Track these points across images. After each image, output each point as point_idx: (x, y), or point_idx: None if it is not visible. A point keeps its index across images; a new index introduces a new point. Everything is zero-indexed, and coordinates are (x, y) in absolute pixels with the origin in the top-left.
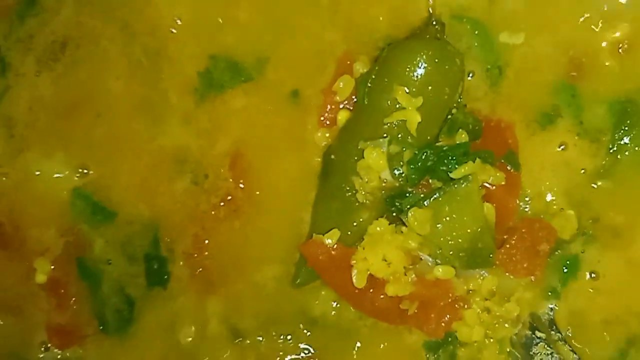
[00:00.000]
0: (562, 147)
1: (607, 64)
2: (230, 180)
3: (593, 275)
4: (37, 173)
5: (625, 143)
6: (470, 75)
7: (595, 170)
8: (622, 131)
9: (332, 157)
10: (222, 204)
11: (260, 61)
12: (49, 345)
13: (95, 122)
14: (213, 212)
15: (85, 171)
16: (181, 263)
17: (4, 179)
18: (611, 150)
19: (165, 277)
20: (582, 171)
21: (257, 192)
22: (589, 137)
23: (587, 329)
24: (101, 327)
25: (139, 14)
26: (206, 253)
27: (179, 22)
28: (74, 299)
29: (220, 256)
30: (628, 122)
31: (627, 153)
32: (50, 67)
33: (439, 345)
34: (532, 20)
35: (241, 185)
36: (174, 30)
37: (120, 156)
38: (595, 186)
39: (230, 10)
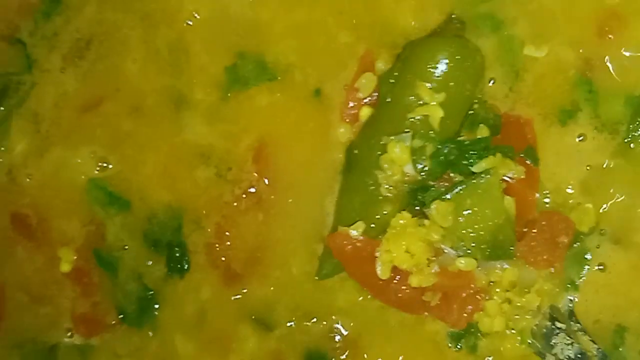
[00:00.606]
0: (580, 137)
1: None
2: (254, 173)
3: (601, 267)
4: (61, 168)
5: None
6: (492, 81)
7: (611, 162)
8: (638, 122)
9: (355, 152)
10: (244, 195)
11: (285, 63)
12: (74, 332)
13: (118, 116)
14: (236, 204)
15: (105, 164)
16: (203, 253)
17: (27, 180)
18: (626, 141)
19: (186, 266)
20: (596, 165)
21: (280, 185)
22: (606, 129)
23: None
24: (121, 316)
25: (158, 5)
26: (228, 243)
27: (196, 16)
28: (97, 287)
29: (242, 247)
30: None
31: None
32: (76, 63)
33: (461, 336)
34: (549, 27)
35: (265, 181)
36: (190, 23)
37: (144, 149)
38: (610, 179)
39: (253, 9)
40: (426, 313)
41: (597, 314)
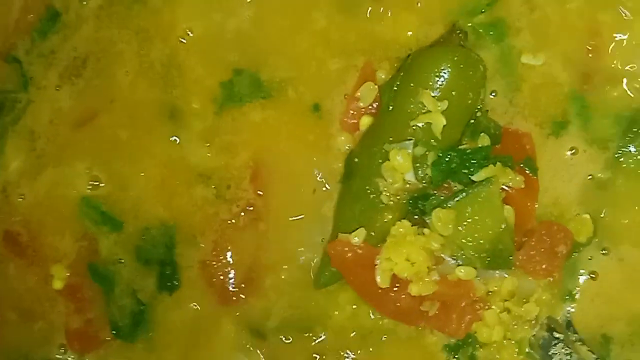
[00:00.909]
0: (572, 151)
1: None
2: (252, 191)
3: (592, 276)
4: (54, 185)
5: (630, 151)
6: (493, 94)
7: (602, 176)
8: (627, 139)
9: (356, 160)
10: (242, 213)
11: (280, 80)
12: (68, 349)
13: (112, 130)
14: (233, 221)
15: (97, 183)
16: (197, 269)
17: (19, 199)
18: (616, 156)
19: (176, 283)
20: (589, 177)
21: (278, 202)
22: (596, 144)
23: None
24: (114, 332)
25: (154, 21)
26: (224, 261)
27: (190, 33)
28: (91, 303)
29: (239, 265)
30: (634, 130)
31: (631, 161)
32: (72, 81)
33: (459, 347)
34: (547, 40)
35: (259, 193)
36: (183, 40)
37: (138, 164)
38: (601, 192)
39: (248, 28)
40: (423, 324)
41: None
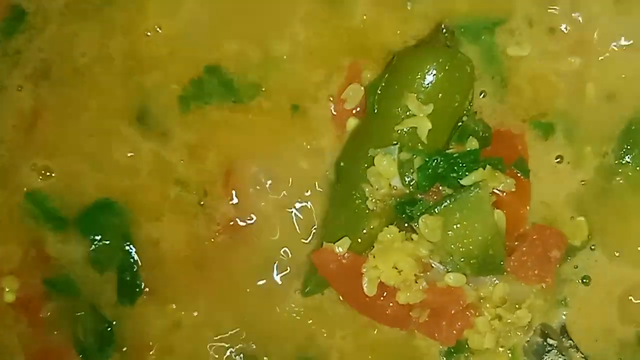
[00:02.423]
0: (557, 159)
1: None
2: (225, 197)
3: (585, 281)
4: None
5: (627, 162)
6: (482, 94)
7: (595, 183)
8: (624, 150)
9: (342, 164)
10: (218, 225)
11: (256, 81)
12: None
13: (77, 129)
14: (212, 239)
15: (49, 173)
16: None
17: None
18: (616, 162)
19: (137, 290)
20: (582, 183)
21: (256, 208)
22: (591, 150)
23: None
24: (80, 356)
25: (122, 15)
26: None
27: (158, 30)
28: (48, 314)
29: (217, 272)
30: (631, 141)
31: (630, 173)
32: (36, 83)
33: (451, 353)
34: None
35: (234, 201)
36: (149, 34)
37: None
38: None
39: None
40: (414, 329)
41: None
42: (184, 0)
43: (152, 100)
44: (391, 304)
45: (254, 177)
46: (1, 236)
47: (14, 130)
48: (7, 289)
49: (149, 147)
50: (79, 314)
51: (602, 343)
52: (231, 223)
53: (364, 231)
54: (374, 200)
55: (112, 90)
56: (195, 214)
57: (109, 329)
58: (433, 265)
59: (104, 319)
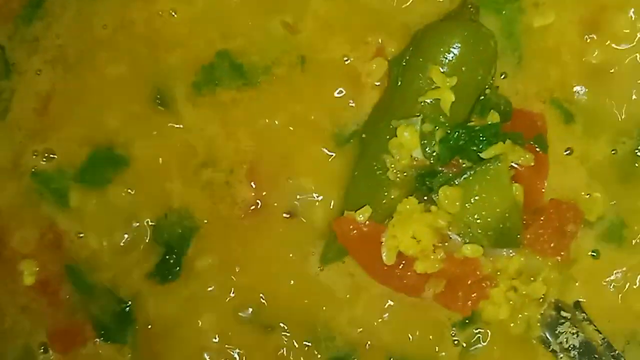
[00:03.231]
0: (567, 151)
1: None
2: (246, 182)
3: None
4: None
5: None
6: (503, 75)
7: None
8: None
9: (364, 136)
10: (237, 204)
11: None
12: (50, 349)
13: (100, 113)
14: (230, 212)
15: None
16: (195, 257)
17: None
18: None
19: (178, 268)
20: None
21: (276, 189)
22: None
23: None
24: (102, 334)
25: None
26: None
27: (174, 14)
28: (67, 296)
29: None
30: None
31: None
32: (53, 66)
33: (465, 324)
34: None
35: (253, 184)
36: (172, 14)
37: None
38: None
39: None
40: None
41: None
42: None
43: (168, 79)
44: (409, 273)
45: (272, 161)
46: (18, 220)
47: (34, 113)
48: (25, 272)
49: (165, 127)
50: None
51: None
52: (252, 207)
53: (384, 201)
54: (395, 171)
55: (131, 65)
56: (221, 195)
57: (127, 309)
58: (451, 236)
59: (120, 300)
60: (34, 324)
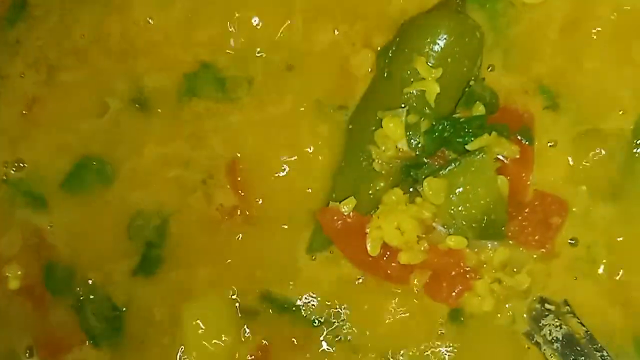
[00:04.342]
0: (551, 143)
1: None
2: (228, 186)
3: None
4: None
5: None
6: (490, 68)
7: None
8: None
9: (350, 127)
10: (217, 208)
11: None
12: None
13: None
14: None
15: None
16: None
17: None
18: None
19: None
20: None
21: (260, 193)
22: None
23: None
24: (91, 341)
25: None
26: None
27: (150, 21)
28: (53, 301)
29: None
30: None
31: None
32: (37, 69)
33: (455, 316)
34: None
35: (241, 193)
36: (150, 21)
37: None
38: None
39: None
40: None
41: None
42: None
43: (145, 86)
44: (393, 264)
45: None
46: (1, 225)
47: (20, 117)
48: (10, 276)
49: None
50: (83, 297)
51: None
52: (237, 211)
53: (370, 192)
54: (380, 162)
55: (108, 73)
56: (198, 196)
57: (117, 312)
58: (435, 227)
59: (111, 303)
60: (19, 329)
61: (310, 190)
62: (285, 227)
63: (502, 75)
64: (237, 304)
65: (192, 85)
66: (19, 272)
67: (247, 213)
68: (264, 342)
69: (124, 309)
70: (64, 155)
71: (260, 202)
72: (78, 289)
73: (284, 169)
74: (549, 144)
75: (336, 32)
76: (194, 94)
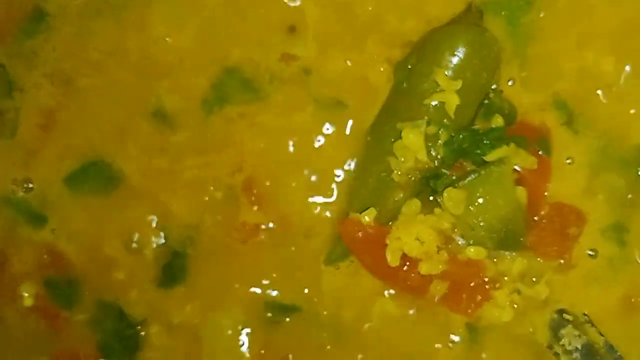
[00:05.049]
0: (568, 160)
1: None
2: (247, 200)
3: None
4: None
5: None
6: (511, 82)
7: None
8: None
9: (369, 138)
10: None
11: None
12: None
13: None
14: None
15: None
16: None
17: None
18: None
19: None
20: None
21: (278, 205)
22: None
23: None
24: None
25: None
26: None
27: (167, 39)
28: (68, 318)
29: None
30: None
31: None
32: (53, 80)
33: (473, 329)
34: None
35: (255, 208)
36: (168, 39)
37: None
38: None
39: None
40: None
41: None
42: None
43: (166, 102)
44: (413, 275)
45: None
46: (16, 242)
47: (38, 129)
48: (25, 294)
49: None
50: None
51: None
52: (259, 225)
53: (389, 203)
54: (399, 173)
55: (128, 88)
56: (219, 208)
57: (134, 333)
58: (455, 238)
59: (128, 322)
60: (35, 347)
61: (329, 201)
62: (307, 238)
63: (521, 90)
64: (259, 316)
65: (220, 93)
66: (34, 291)
67: (270, 226)
68: (290, 355)
69: (139, 327)
70: (76, 163)
71: (280, 214)
72: (91, 305)
73: (305, 180)
74: (567, 160)
75: (349, 63)
76: (225, 101)
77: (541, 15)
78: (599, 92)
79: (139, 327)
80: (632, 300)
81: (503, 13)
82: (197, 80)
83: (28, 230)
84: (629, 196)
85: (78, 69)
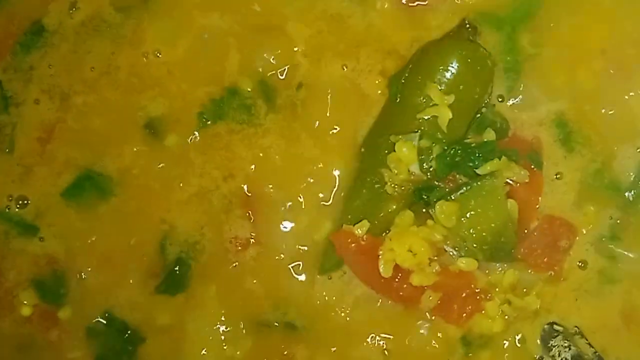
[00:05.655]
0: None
1: None
2: (244, 215)
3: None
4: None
5: None
6: (500, 99)
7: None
8: None
9: (362, 150)
10: (231, 241)
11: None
12: None
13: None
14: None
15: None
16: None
17: None
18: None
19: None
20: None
21: (273, 226)
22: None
23: None
24: None
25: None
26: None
27: (159, 55)
28: (66, 328)
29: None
30: None
31: None
32: (51, 95)
33: (467, 342)
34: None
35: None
36: (159, 55)
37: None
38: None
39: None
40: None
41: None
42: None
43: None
44: (405, 286)
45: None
46: (12, 251)
47: (38, 143)
48: (24, 302)
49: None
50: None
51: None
52: (251, 240)
53: (382, 214)
54: (392, 185)
55: (118, 105)
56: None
57: (131, 347)
58: (446, 249)
59: (126, 333)
60: (34, 358)
61: (323, 212)
62: (298, 251)
63: (515, 106)
64: (254, 326)
65: (218, 110)
66: (34, 300)
67: (261, 241)
68: None
69: (136, 337)
70: (72, 177)
71: (273, 224)
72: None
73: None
74: (556, 175)
75: (345, 69)
76: (219, 118)
77: (541, 32)
78: (602, 110)
79: (136, 338)
80: (623, 312)
81: (504, 28)
82: (193, 94)
83: (22, 242)
84: (620, 213)
85: (73, 86)
